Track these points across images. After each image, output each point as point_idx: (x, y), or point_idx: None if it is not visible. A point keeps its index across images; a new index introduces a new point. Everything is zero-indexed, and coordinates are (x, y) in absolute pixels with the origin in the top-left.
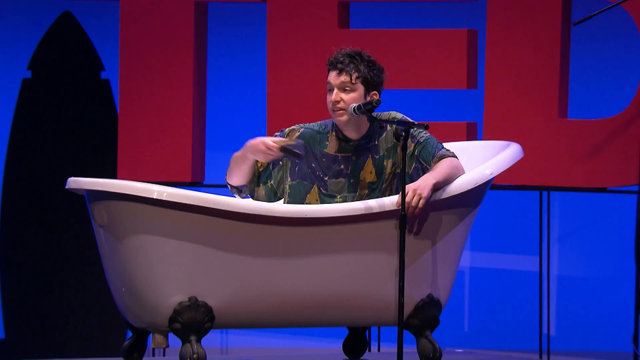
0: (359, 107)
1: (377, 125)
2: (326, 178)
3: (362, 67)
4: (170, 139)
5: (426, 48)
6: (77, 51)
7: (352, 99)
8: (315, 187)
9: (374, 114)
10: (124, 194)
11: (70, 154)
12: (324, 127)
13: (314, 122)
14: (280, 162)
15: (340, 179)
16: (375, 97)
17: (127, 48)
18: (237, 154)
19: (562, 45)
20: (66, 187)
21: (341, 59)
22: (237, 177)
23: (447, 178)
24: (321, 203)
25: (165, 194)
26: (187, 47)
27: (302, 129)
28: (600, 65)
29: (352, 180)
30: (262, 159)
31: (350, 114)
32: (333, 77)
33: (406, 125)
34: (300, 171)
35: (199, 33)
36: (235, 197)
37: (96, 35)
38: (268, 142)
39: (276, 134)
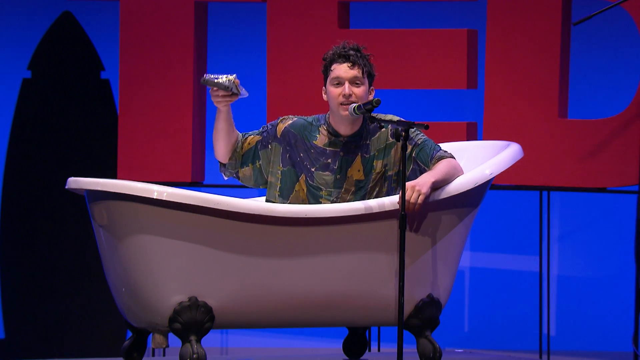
0: (359, 107)
1: (370, 125)
2: (313, 169)
3: (366, 62)
4: (170, 139)
5: (426, 48)
6: (77, 51)
7: (362, 92)
8: (303, 176)
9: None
10: (124, 194)
11: (70, 154)
12: (317, 120)
13: None
14: (269, 146)
15: (327, 173)
16: (372, 93)
17: (127, 48)
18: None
19: (562, 45)
20: (66, 187)
21: (351, 52)
22: (217, 141)
23: (446, 177)
24: (307, 194)
25: (165, 194)
26: (187, 47)
27: (295, 118)
28: (600, 65)
29: (338, 176)
30: (215, 103)
31: (350, 113)
32: (344, 70)
33: (406, 125)
34: (291, 159)
35: (199, 33)
36: (222, 175)
37: (96, 35)
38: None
39: (271, 121)
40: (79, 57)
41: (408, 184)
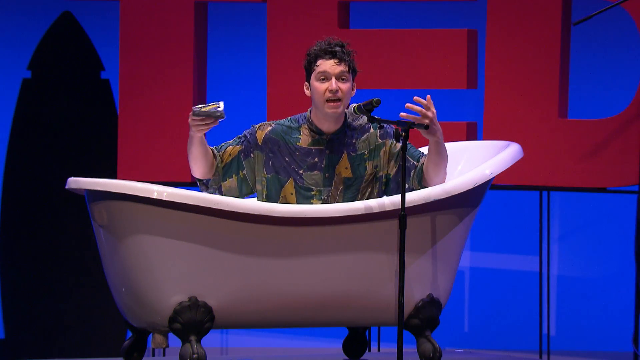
0: (359, 107)
1: (354, 123)
2: (301, 171)
3: (351, 59)
4: (170, 139)
5: (426, 48)
6: (77, 51)
7: (347, 89)
8: (291, 180)
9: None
10: (124, 194)
11: (70, 154)
12: (295, 122)
13: None
14: (252, 155)
15: (316, 172)
16: (354, 89)
17: (127, 48)
18: (188, 142)
19: (562, 45)
20: (66, 187)
21: (337, 48)
22: (195, 162)
23: (446, 157)
24: (297, 196)
25: (165, 194)
26: (187, 47)
27: (272, 125)
28: (600, 65)
29: (327, 174)
30: (196, 131)
31: (350, 113)
32: (331, 66)
33: (406, 125)
34: (275, 165)
35: (199, 33)
36: (204, 193)
37: (96, 35)
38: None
39: (245, 130)
40: (79, 57)
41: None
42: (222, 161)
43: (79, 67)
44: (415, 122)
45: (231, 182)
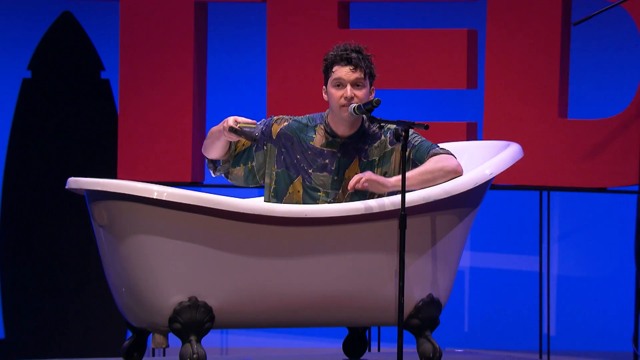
0: (359, 107)
1: (370, 130)
2: (310, 171)
3: (368, 64)
4: (170, 139)
5: (426, 48)
6: (77, 51)
7: (364, 95)
8: (300, 178)
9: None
10: (124, 194)
11: (70, 154)
12: (312, 121)
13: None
14: (265, 147)
15: (325, 174)
16: (373, 93)
17: (127, 48)
18: (214, 128)
19: (562, 45)
20: (66, 187)
21: (353, 54)
22: (212, 150)
23: (425, 177)
24: (304, 195)
25: (165, 194)
26: (187, 47)
27: (290, 120)
28: (600, 65)
29: (335, 177)
30: (227, 137)
31: (350, 113)
32: (346, 73)
33: (406, 125)
34: (286, 161)
35: (199, 33)
36: (210, 172)
37: (96, 35)
38: (229, 121)
39: (264, 119)
40: (79, 57)
41: (361, 175)
42: (235, 149)
43: (79, 67)
44: (415, 123)
45: (238, 171)
